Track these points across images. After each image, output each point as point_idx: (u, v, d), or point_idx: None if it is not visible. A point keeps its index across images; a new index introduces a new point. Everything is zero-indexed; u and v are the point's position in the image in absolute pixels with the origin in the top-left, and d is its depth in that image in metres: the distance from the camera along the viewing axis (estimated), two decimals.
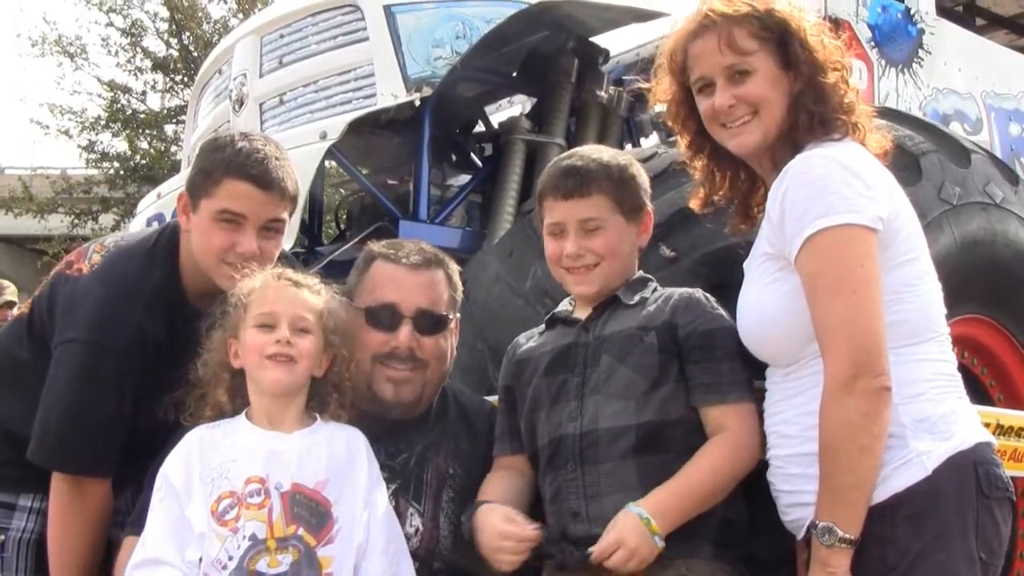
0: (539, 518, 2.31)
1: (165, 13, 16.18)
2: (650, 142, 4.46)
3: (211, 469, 2.17)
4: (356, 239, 3.90)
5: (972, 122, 4.91)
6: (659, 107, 2.49)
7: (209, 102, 4.73)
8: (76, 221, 16.70)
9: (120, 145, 16.40)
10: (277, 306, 2.27)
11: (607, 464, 2.19)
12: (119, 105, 16.34)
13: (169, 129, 16.49)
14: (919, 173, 2.91)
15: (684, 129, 2.41)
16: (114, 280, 2.55)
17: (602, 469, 2.19)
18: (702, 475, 2.15)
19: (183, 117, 13.40)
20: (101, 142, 16.45)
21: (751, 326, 2.21)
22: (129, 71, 16.44)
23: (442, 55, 3.69)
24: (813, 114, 2.18)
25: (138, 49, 16.37)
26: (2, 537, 2.68)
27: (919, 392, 2.06)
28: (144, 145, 16.12)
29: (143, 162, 15.82)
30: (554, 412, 2.29)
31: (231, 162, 2.46)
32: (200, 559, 2.10)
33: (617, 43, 4.32)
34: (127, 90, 16.53)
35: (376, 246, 2.60)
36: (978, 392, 3.12)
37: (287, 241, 3.07)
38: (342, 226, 4.84)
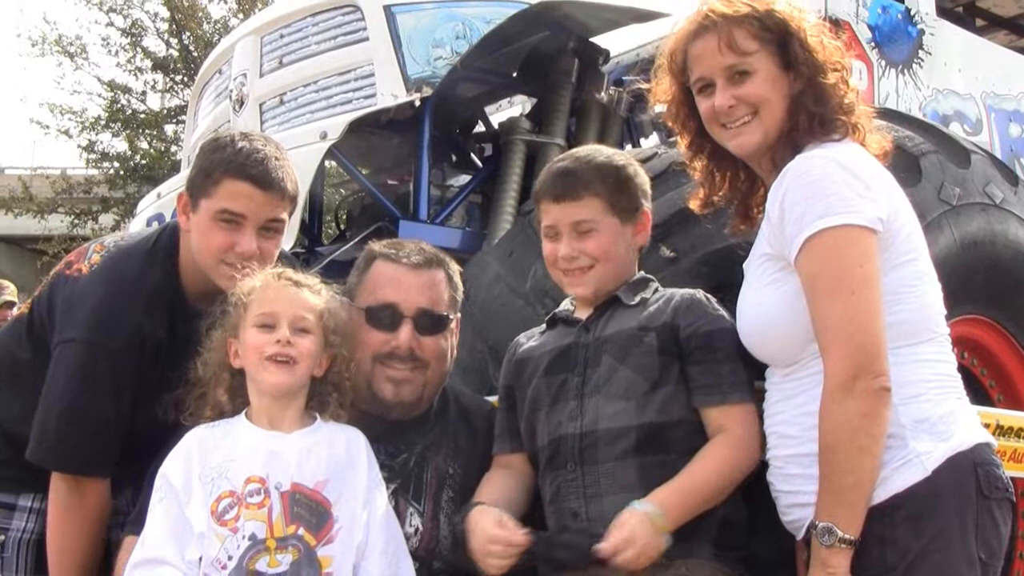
0: (538, 518, 2.31)
1: (165, 13, 16.20)
2: (650, 142, 4.46)
3: (211, 469, 2.16)
4: (356, 239, 3.90)
5: (972, 123, 4.91)
6: (659, 107, 2.49)
7: (209, 102, 4.73)
8: (76, 221, 16.71)
9: (120, 145, 16.45)
10: (277, 306, 2.27)
11: (607, 464, 2.19)
12: (119, 105, 16.35)
13: (169, 129, 16.52)
14: (919, 174, 2.91)
15: (684, 129, 2.41)
16: (113, 280, 2.55)
17: (602, 469, 2.19)
18: (706, 475, 2.15)
19: (183, 117, 13.41)
20: (101, 142, 16.51)
21: (751, 327, 2.21)
22: (129, 71, 16.49)
23: (442, 55, 3.69)
24: (813, 115, 2.18)
25: (138, 49, 16.39)
26: (2, 537, 2.68)
27: (919, 393, 2.06)
28: (144, 145, 16.14)
29: (143, 162, 15.83)
30: (554, 412, 2.29)
31: (231, 162, 2.46)
32: (200, 559, 2.10)
33: (617, 43, 4.31)
34: (127, 90, 16.55)
35: (377, 246, 2.60)
36: (978, 393, 3.12)
37: (287, 241, 3.07)
38: (342, 226, 4.84)
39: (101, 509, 2.57)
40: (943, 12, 5.01)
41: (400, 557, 2.25)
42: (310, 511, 2.14)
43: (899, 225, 2.10)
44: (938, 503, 1.99)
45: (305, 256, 3.99)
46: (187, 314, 2.53)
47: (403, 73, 3.65)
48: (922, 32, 4.74)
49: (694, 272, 2.63)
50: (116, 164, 16.23)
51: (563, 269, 2.35)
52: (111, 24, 16.38)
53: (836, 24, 4.20)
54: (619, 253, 2.35)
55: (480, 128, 4.68)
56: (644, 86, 2.49)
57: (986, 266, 3.06)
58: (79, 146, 16.42)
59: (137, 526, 2.27)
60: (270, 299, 2.28)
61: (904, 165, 2.78)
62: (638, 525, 2.06)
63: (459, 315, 2.60)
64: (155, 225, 3.96)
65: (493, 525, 2.18)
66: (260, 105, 4.11)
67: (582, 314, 2.38)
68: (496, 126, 4.44)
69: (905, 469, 2.00)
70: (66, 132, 16.35)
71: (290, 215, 2.60)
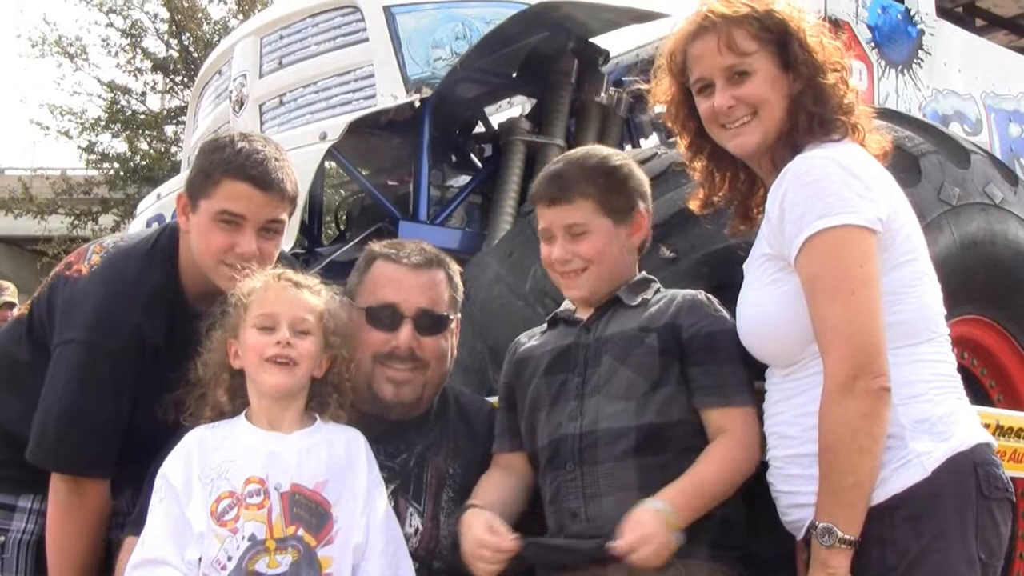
0: (538, 517, 2.31)
1: (165, 14, 16.19)
2: (650, 143, 4.46)
3: (210, 470, 2.16)
4: (356, 240, 3.90)
5: (972, 123, 4.91)
6: (659, 108, 2.49)
7: (209, 103, 4.73)
8: (76, 222, 16.70)
9: (120, 146, 16.44)
10: (277, 307, 2.27)
11: (606, 465, 2.19)
12: (119, 106, 16.34)
13: (169, 130, 16.51)
14: (919, 174, 2.91)
15: (684, 130, 2.41)
16: (113, 281, 2.55)
17: (601, 470, 2.19)
18: (711, 475, 2.15)
19: (183, 118, 13.40)
20: (101, 143, 16.49)
21: (751, 327, 2.21)
22: (129, 72, 16.47)
23: (442, 56, 3.69)
24: (813, 115, 2.17)
25: (138, 50, 16.38)
26: (2, 538, 2.68)
27: (918, 393, 2.06)
28: (144, 146, 16.13)
29: (143, 163, 15.83)
30: (554, 412, 2.29)
31: (230, 163, 2.46)
32: (200, 559, 2.10)
33: (617, 44, 4.31)
34: (127, 91, 16.54)
35: (377, 246, 2.60)
36: (978, 393, 3.12)
37: (287, 242, 3.07)
38: (342, 227, 4.84)
39: (101, 510, 2.56)
40: (943, 12, 5.01)
41: (400, 558, 2.25)
42: (310, 512, 2.14)
43: (899, 225, 2.10)
44: (938, 503, 1.99)
45: (305, 257, 3.99)
46: (187, 315, 2.53)
47: (403, 74, 3.65)
48: (922, 32, 4.74)
49: (694, 272, 2.63)
50: (116, 165, 16.23)
51: (559, 272, 2.35)
52: (111, 25, 16.40)
53: (836, 24, 4.20)
54: (613, 254, 2.34)
55: (480, 129, 4.68)
56: (644, 87, 2.49)
57: (986, 266, 3.06)
58: (79, 147, 16.44)
59: (137, 527, 2.27)
60: (270, 300, 2.28)
61: (904, 165, 2.78)
62: (653, 523, 2.05)
63: (459, 315, 2.60)
64: (155, 226, 3.96)
65: (483, 530, 2.17)
66: (260, 106, 4.11)
67: (583, 314, 2.38)
68: (496, 127, 4.44)
69: (905, 469, 2.00)
70: (66, 133, 16.36)
71: (290, 216, 2.60)
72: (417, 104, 3.72)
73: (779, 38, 2.20)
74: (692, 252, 2.69)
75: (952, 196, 2.97)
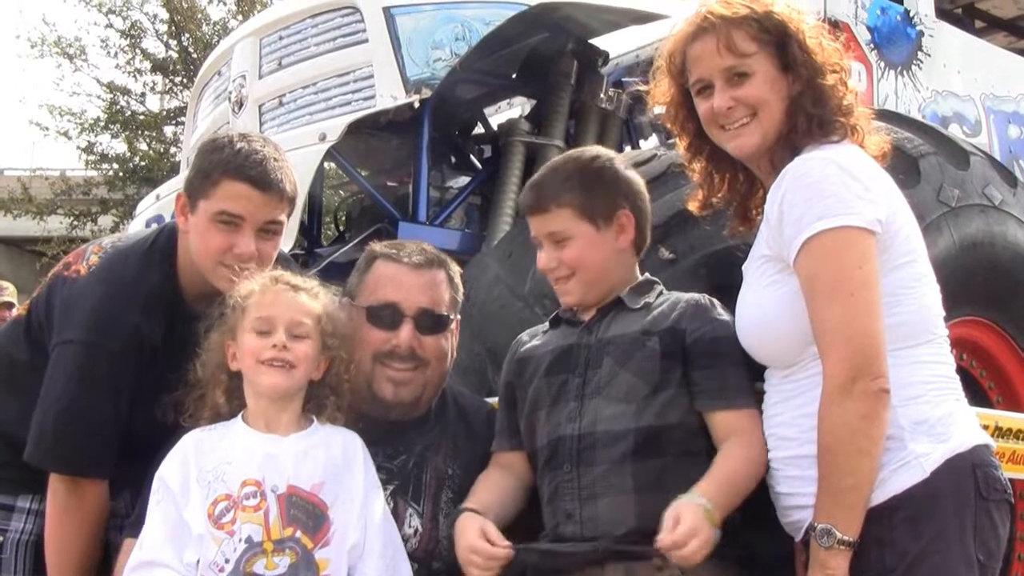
0: (537, 517, 2.31)
1: (164, 15, 16.18)
2: (649, 144, 4.46)
3: (207, 472, 2.16)
4: (355, 241, 3.90)
5: (971, 124, 4.91)
6: (658, 109, 2.48)
7: (208, 104, 4.73)
8: (75, 223, 16.69)
9: (119, 147, 16.42)
10: (274, 311, 2.26)
11: (603, 467, 2.19)
12: (118, 107, 16.33)
13: (168, 131, 16.49)
14: (918, 175, 2.91)
15: (683, 131, 2.40)
16: (112, 281, 2.55)
17: (597, 472, 2.19)
18: (741, 471, 2.13)
19: (182, 119, 13.41)
20: (100, 144, 16.47)
21: (750, 328, 2.20)
22: (128, 72, 16.44)
23: (441, 57, 3.69)
24: (812, 116, 2.17)
25: (137, 51, 16.36)
26: (1, 539, 2.68)
27: (917, 394, 2.06)
28: (143, 147, 16.12)
29: (142, 164, 15.81)
30: (554, 413, 2.29)
31: (229, 163, 2.45)
32: (198, 561, 2.10)
33: (616, 45, 4.32)
34: (126, 92, 16.52)
35: (378, 246, 2.60)
36: (977, 394, 3.12)
37: (286, 242, 3.07)
38: (341, 228, 4.84)
39: (99, 510, 2.56)
40: (942, 13, 5.02)
41: (398, 560, 2.25)
42: (307, 514, 2.14)
43: (898, 227, 2.10)
44: (937, 505, 1.99)
45: (304, 258, 4.00)
46: (185, 315, 2.52)
47: (402, 75, 3.65)
48: (921, 34, 4.74)
49: (693, 274, 2.63)
50: (115, 166, 16.22)
51: (552, 278, 2.36)
52: (110, 26, 16.37)
53: (835, 25, 4.21)
54: (599, 259, 2.32)
55: (479, 130, 4.68)
56: (643, 88, 2.48)
57: (985, 268, 3.06)
58: (78, 147, 16.42)
59: (136, 529, 2.27)
60: (267, 304, 2.27)
61: (903, 167, 2.78)
62: (698, 517, 2.00)
63: (459, 317, 2.60)
64: (154, 226, 3.96)
65: (476, 536, 2.17)
66: (259, 107, 4.11)
67: (585, 315, 2.38)
68: (495, 128, 4.44)
69: (904, 471, 2.00)
70: (65, 134, 16.34)
71: (289, 216, 2.60)
72: (416, 105, 3.72)
73: (778, 39, 2.20)
74: (691, 253, 2.68)
75: (951, 198, 2.97)
